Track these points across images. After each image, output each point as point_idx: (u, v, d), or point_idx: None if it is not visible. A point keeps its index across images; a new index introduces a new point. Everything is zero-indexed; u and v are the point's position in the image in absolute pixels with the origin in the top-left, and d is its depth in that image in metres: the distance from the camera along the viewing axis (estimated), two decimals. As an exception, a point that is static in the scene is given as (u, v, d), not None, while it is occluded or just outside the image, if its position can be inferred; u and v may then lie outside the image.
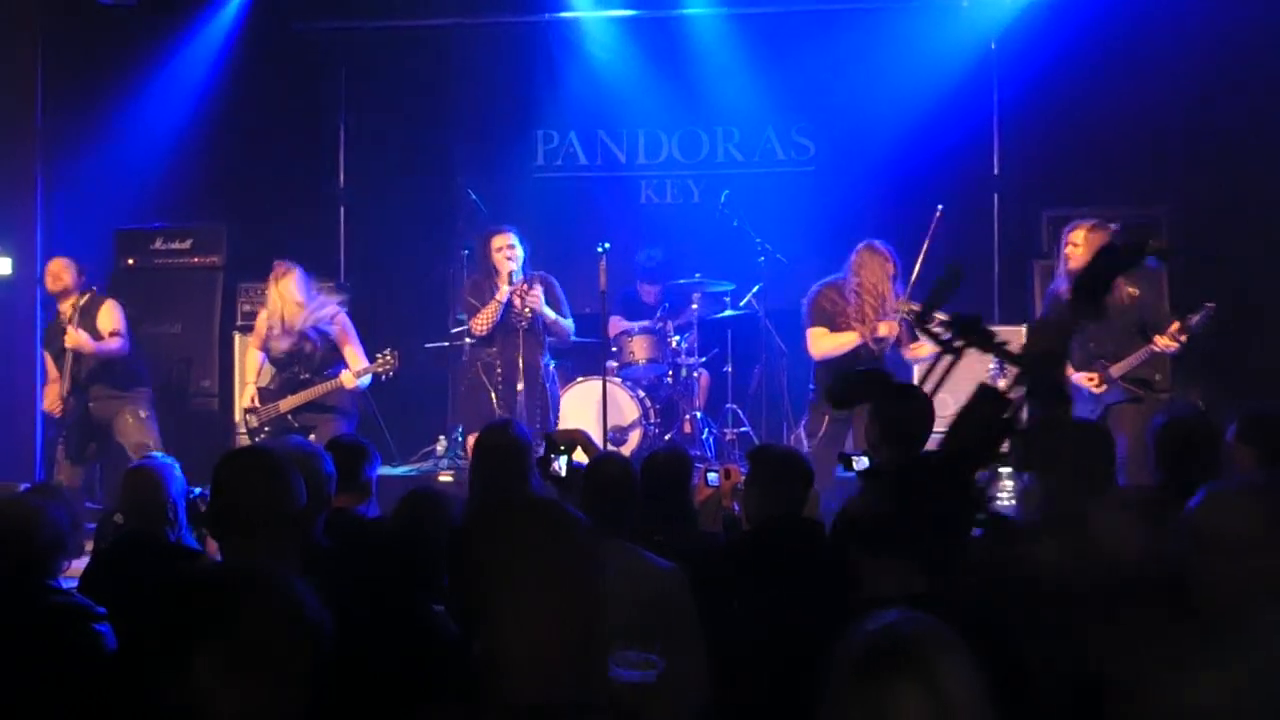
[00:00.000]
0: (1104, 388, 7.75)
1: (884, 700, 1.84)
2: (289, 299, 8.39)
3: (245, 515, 3.27)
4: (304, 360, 8.38)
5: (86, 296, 8.66)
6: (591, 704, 1.96)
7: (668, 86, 10.74)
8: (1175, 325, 7.56)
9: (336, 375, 8.36)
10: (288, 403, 8.35)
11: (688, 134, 11.14)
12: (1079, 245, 7.74)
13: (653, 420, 9.42)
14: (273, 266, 8.54)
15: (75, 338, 8.49)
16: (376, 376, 8.37)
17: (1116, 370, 7.72)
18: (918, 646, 1.86)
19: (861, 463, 4.78)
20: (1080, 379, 7.78)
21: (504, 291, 8.36)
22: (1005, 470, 8.27)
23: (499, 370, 8.48)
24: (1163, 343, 7.58)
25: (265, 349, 8.53)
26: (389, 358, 8.35)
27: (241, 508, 3.28)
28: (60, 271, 8.69)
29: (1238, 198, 9.43)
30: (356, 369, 8.32)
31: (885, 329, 7.71)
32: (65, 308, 8.66)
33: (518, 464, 4.88)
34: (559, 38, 10.80)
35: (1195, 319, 7.61)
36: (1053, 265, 8.87)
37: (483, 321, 8.42)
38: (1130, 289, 7.81)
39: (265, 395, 8.43)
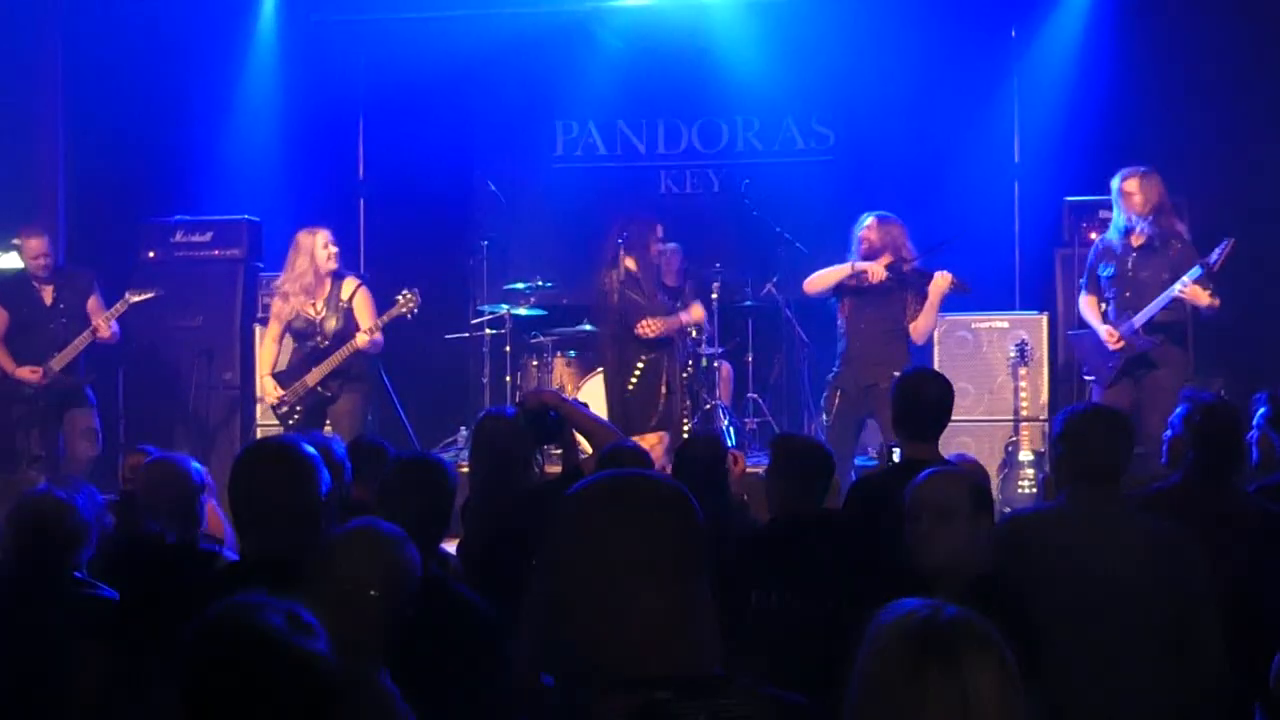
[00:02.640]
0: (1120, 344, 7.64)
1: (922, 690, 1.83)
2: (318, 248, 8.34)
3: (266, 508, 3.27)
4: (322, 330, 8.29)
5: (66, 280, 8.62)
6: (703, 676, 1.98)
7: (687, 76, 10.73)
8: (1195, 272, 7.46)
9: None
10: (313, 375, 8.23)
11: (707, 124, 11.13)
12: (1134, 194, 7.71)
13: (673, 410, 9.39)
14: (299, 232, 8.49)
15: (107, 328, 8.47)
16: (402, 318, 8.27)
17: (1139, 320, 7.61)
18: (960, 638, 1.86)
19: (901, 454, 4.79)
20: (1102, 332, 7.71)
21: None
22: (1026, 458, 8.36)
23: (665, 369, 8.31)
24: (1191, 292, 7.44)
25: (287, 325, 8.40)
26: (409, 297, 8.23)
27: (261, 501, 3.27)
28: (45, 249, 8.57)
29: (1259, 183, 9.37)
30: (366, 326, 8.19)
31: (871, 269, 7.89)
32: (46, 291, 8.56)
33: (518, 452, 4.88)
34: (578, 28, 10.77)
35: (1214, 255, 7.51)
36: (1072, 254, 8.83)
37: (656, 328, 8.15)
38: (1176, 242, 7.74)
39: (284, 378, 8.36)
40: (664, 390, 8.21)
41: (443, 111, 10.86)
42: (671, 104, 11.04)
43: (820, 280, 8.11)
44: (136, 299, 8.52)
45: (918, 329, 7.99)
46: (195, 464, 4.83)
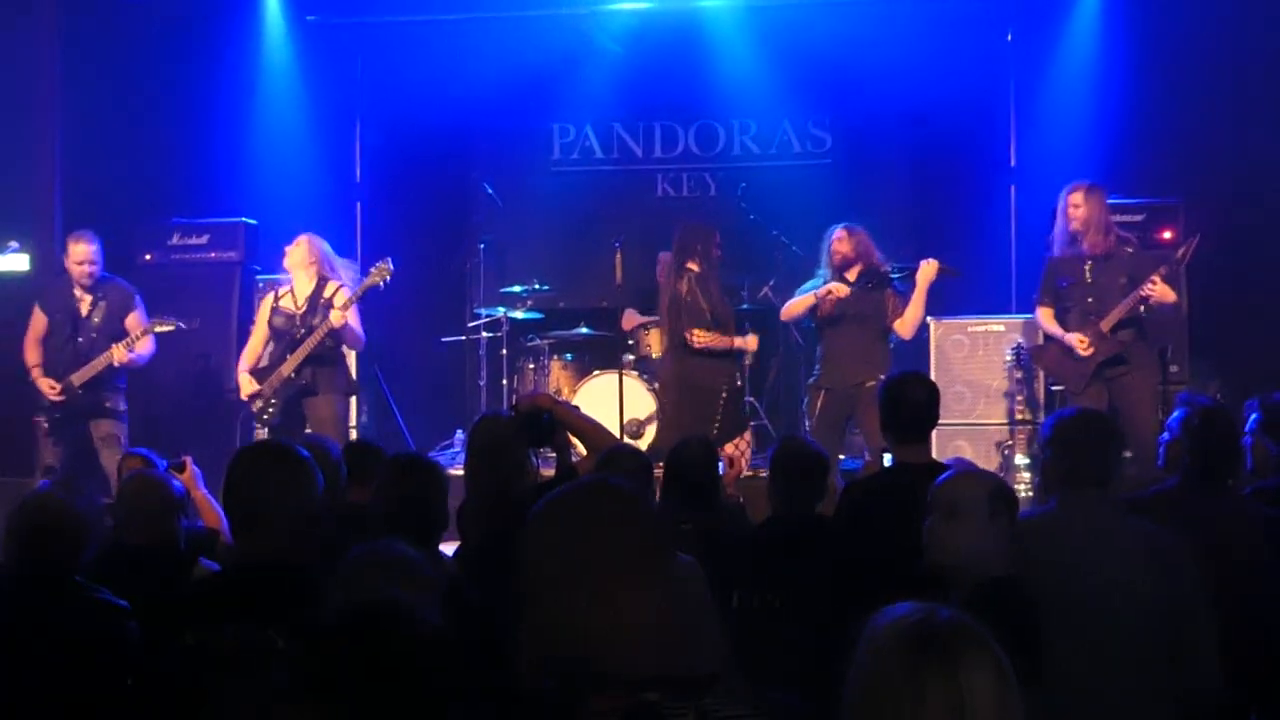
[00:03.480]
0: (1092, 350, 7.66)
1: (920, 689, 1.84)
2: (310, 252, 8.29)
3: (261, 510, 3.27)
4: (302, 323, 8.18)
5: (106, 293, 8.40)
6: (693, 676, 2.01)
7: (684, 79, 10.75)
8: (1163, 269, 7.50)
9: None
10: (288, 364, 8.15)
11: (704, 127, 11.15)
12: (1080, 205, 7.73)
13: (669, 413, 9.42)
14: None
15: (124, 354, 8.20)
16: (375, 290, 8.17)
17: (1105, 324, 7.62)
18: (957, 639, 1.87)
19: (893, 458, 4.79)
20: (1071, 340, 7.72)
21: None
22: (1022, 462, 8.37)
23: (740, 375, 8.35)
24: (1160, 291, 7.44)
25: (270, 323, 8.32)
26: (382, 267, 8.09)
27: (257, 502, 3.28)
28: (92, 255, 8.33)
29: (1253, 188, 9.39)
30: (339, 304, 8.09)
31: (830, 287, 7.98)
32: (85, 301, 8.36)
33: (514, 455, 4.88)
34: (575, 31, 10.78)
35: (1182, 251, 7.52)
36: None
37: (706, 339, 8.11)
38: (1127, 248, 7.77)
39: (262, 373, 8.26)
40: (724, 397, 8.20)
41: (440, 115, 10.86)
42: (668, 107, 11.06)
43: (793, 309, 8.22)
44: (158, 329, 8.30)
45: (905, 323, 8.02)
46: (177, 481, 4.81)
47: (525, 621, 2.06)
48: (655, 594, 2.02)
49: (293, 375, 8.16)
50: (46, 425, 8.32)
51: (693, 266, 8.17)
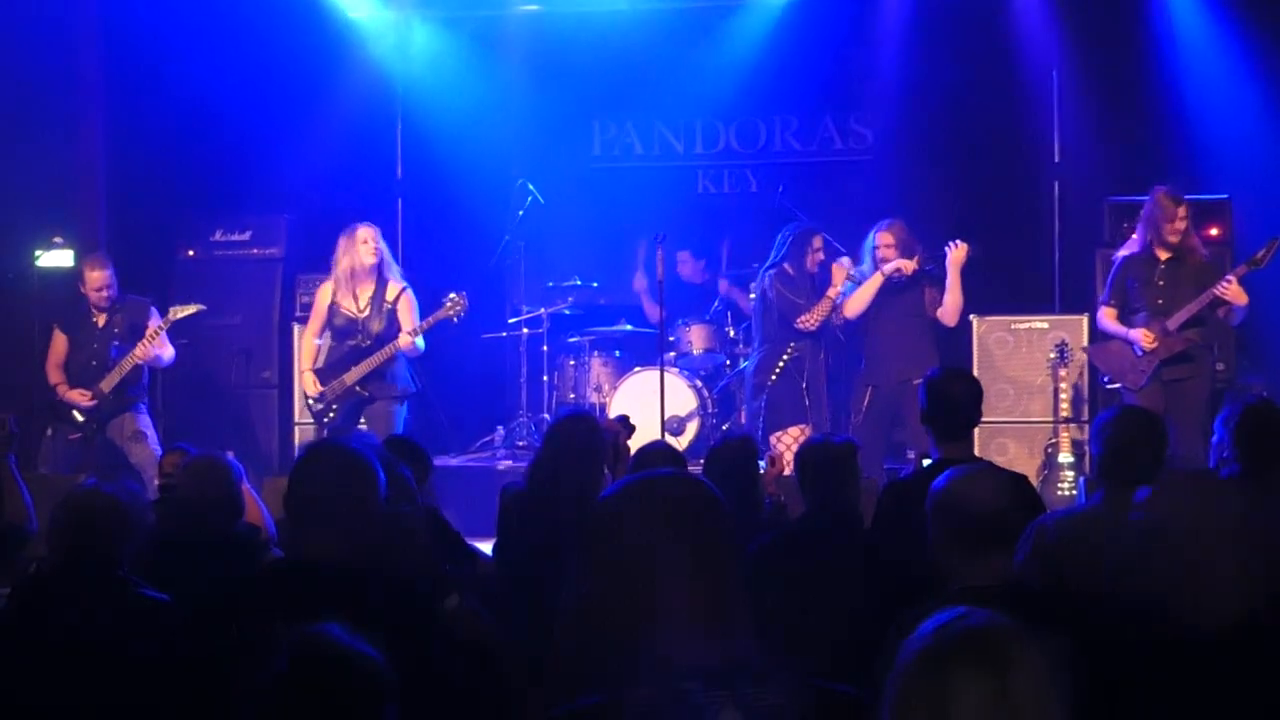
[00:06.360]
0: (1156, 344, 7.60)
1: (956, 692, 1.83)
2: (357, 244, 8.19)
3: (321, 508, 3.28)
4: (365, 330, 8.16)
5: (123, 307, 8.42)
6: (735, 666, 2.04)
7: (725, 76, 10.69)
8: (1240, 269, 7.50)
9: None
10: (352, 374, 8.11)
11: (745, 123, 11.11)
12: (1170, 206, 7.68)
13: (710, 410, 9.41)
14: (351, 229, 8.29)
15: (147, 350, 8.23)
16: (447, 322, 8.17)
17: (1173, 322, 7.58)
18: (996, 640, 1.86)
19: (934, 455, 4.75)
20: (1136, 334, 7.67)
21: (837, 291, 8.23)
22: (1066, 460, 8.31)
23: (806, 368, 8.34)
24: (1234, 291, 7.43)
25: (328, 323, 8.25)
26: (456, 300, 8.10)
27: (318, 500, 3.28)
28: (108, 280, 8.36)
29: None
30: (409, 328, 8.07)
31: (902, 263, 8.07)
32: (101, 317, 8.38)
33: (594, 455, 4.86)
34: (616, 27, 10.75)
35: (1261, 253, 7.49)
36: (1113, 255, 8.77)
37: (815, 318, 8.22)
38: (1203, 255, 7.74)
39: (323, 375, 8.23)
40: (804, 386, 8.23)
41: (481, 111, 10.86)
42: (709, 104, 11.01)
43: (860, 301, 8.20)
44: (179, 315, 8.33)
45: (947, 310, 8.09)
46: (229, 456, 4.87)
47: (577, 605, 2.08)
48: (710, 584, 2.06)
49: (356, 387, 8.15)
50: (81, 439, 8.31)
51: (788, 269, 8.30)
